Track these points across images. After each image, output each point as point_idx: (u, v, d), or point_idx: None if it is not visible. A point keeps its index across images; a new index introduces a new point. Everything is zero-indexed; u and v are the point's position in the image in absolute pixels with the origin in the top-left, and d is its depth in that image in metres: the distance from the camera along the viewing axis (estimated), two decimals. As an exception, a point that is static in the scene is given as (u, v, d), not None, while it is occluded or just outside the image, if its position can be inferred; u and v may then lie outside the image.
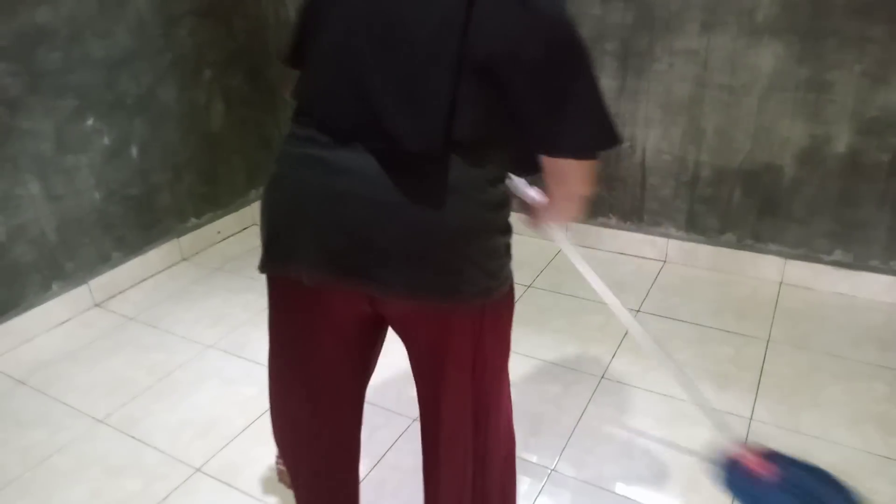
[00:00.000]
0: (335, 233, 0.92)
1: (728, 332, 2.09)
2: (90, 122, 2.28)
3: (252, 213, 3.00)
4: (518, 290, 2.35)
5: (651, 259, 2.53)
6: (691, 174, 2.35)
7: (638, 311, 2.22)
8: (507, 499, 1.23)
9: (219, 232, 2.85)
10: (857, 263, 2.21)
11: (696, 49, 2.17)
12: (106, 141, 2.34)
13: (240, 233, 2.93)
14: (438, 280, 0.93)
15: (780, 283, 2.33)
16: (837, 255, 2.23)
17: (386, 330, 1.13)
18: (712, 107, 2.22)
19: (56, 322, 2.27)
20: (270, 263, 1.01)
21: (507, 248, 1.00)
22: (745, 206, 2.31)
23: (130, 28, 2.35)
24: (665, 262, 2.51)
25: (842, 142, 2.08)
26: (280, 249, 0.98)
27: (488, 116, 0.89)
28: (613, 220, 2.57)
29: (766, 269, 2.34)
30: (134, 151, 2.45)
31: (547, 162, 0.94)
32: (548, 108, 0.87)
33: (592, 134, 0.91)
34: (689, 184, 2.37)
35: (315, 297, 1.00)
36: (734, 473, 1.38)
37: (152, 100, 2.48)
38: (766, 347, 2.01)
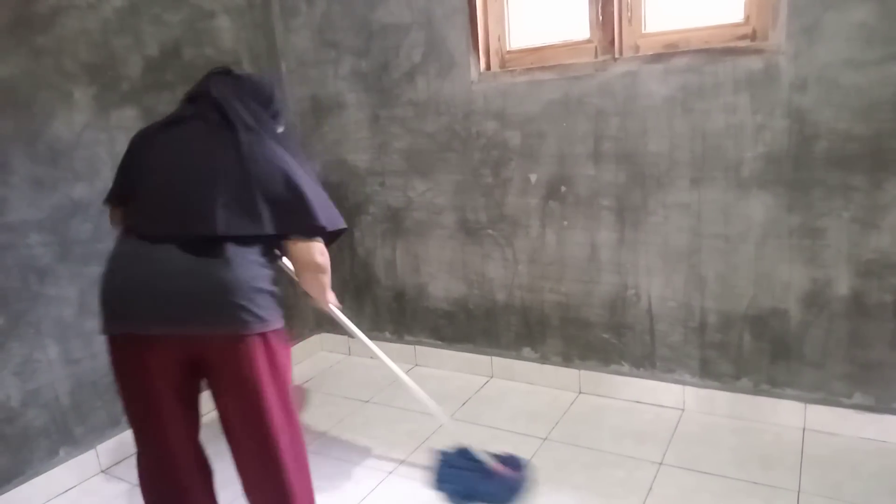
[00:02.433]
0: (163, 296, 1.42)
1: (755, 483, 2.00)
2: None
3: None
4: (533, 444, 2.31)
5: (669, 407, 2.48)
6: (698, 320, 2.37)
7: (661, 463, 2.14)
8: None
9: (230, 391, 2.84)
10: (880, 406, 2.15)
11: (688, 202, 2.29)
12: (127, 304, 2.42)
13: (251, 391, 2.92)
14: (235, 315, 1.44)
15: (803, 428, 2.25)
16: (857, 397, 2.18)
17: (199, 382, 1.56)
18: (710, 255, 2.30)
19: (60, 490, 2.21)
20: (115, 324, 1.46)
21: (272, 296, 1.52)
22: (756, 350, 2.30)
23: (159, 199, 2.52)
24: (683, 409, 2.45)
25: (843, 284, 2.12)
26: (122, 313, 1.45)
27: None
28: (626, 367, 2.56)
29: (787, 415, 2.28)
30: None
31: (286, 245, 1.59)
32: None
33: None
34: (698, 330, 2.38)
35: (146, 346, 1.45)
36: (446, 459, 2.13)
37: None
38: (798, 500, 1.91)
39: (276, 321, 1.52)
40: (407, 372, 3.01)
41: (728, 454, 2.16)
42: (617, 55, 2.36)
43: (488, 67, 2.62)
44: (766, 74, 2.10)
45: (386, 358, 2.17)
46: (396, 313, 3.09)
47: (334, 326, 3.29)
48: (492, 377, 2.87)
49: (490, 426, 2.46)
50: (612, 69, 2.33)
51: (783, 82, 2.08)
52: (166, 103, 2.54)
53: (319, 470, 2.25)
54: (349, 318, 3.23)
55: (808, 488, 1.95)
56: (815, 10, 1.99)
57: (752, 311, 2.28)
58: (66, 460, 2.24)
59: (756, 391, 2.33)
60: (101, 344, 2.33)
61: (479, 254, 2.78)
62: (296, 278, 1.71)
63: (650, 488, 2.02)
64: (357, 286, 3.16)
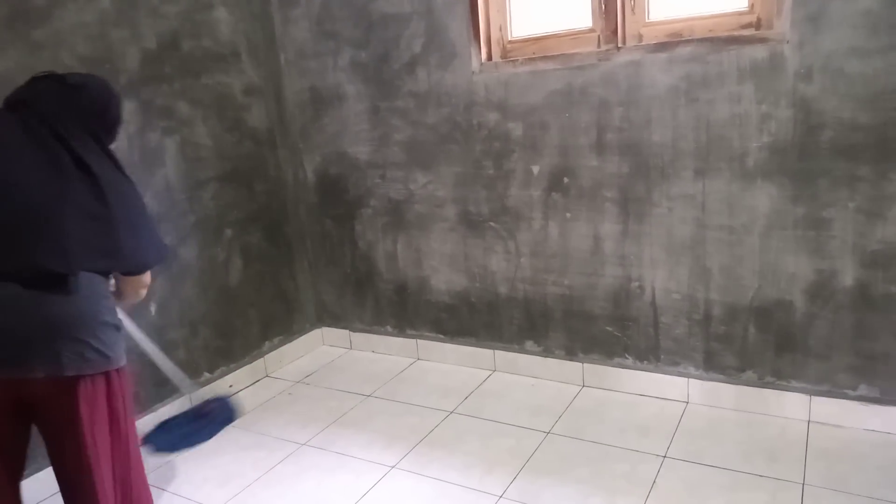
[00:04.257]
0: None
1: (760, 476, 1.99)
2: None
3: (265, 365, 3.00)
4: (536, 437, 2.29)
5: (673, 400, 2.46)
6: (703, 312, 2.36)
7: (665, 456, 2.13)
8: None
9: (231, 385, 2.83)
10: (885, 398, 2.13)
11: (692, 194, 2.27)
12: (127, 299, 2.41)
13: (251, 386, 2.91)
14: (68, 355, 1.31)
15: (808, 421, 2.24)
16: (863, 389, 2.16)
17: (28, 428, 1.44)
18: (715, 246, 2.28)
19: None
20: None
21: (116, 329, 1.41)
22: (761, 342, 2.29)
23: (158, 193, 2.51)
24: (687, 402, 2.44)
25: (848, 275, 2.10)
26: None
27: None
28: (630, 361, 2.54)
29: (792, 407, 2.27)
30: (152, 309, 2.51)
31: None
32: None
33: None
34: (702, 322, 2.37)
35: None
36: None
37: (174, 258, 2.58)
38: (803, 492, 1.89)
39: (120, 358, 1.41)
40: (409, 366, 3.00)
41: (733, 447, 2.15)
42: (620, 44, 2.33)
43: (490, 58, 2.59)
44: (771, 63, 2.07)
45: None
46: (398, 307, 3.07)
47: (336, 321, 3.28)
48: (494, 371, 2.85)
49: (493, 420, 2.45)
50: (615, 59, 2.31)
51: (788, 71, 2.05)
52: (164, 96, 2.52)
53: (321, 464, 2.25)
54: (351, 311, 3.23)
55: (813, 481, 1.94)
56: (821, -2, 1.97)
57: (757, 302, 2.26)
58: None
59: (761, 383, 2.32)
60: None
61: (482, 247, 2.76)
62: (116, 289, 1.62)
63: (654, 481, 2.01)
64: (358, 280, 3.14)
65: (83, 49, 2.24)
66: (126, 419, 1.43)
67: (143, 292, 1.66)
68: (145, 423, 2.31)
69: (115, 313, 1.44)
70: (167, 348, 2.56)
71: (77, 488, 1.40)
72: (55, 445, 1.40)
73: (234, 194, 2.84)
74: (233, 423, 2.35)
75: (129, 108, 2.39)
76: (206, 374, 2.74)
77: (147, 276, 1.61)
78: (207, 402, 2.32)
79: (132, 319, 1.95)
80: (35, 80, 1.46)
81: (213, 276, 2.76)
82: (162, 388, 2.54)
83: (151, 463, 2.31)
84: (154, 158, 2.50)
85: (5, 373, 1.32)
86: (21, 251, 1.31)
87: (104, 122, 1.51)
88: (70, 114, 1.43)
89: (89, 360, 1.33)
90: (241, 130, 2.87)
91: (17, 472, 1.49)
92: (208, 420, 2.28)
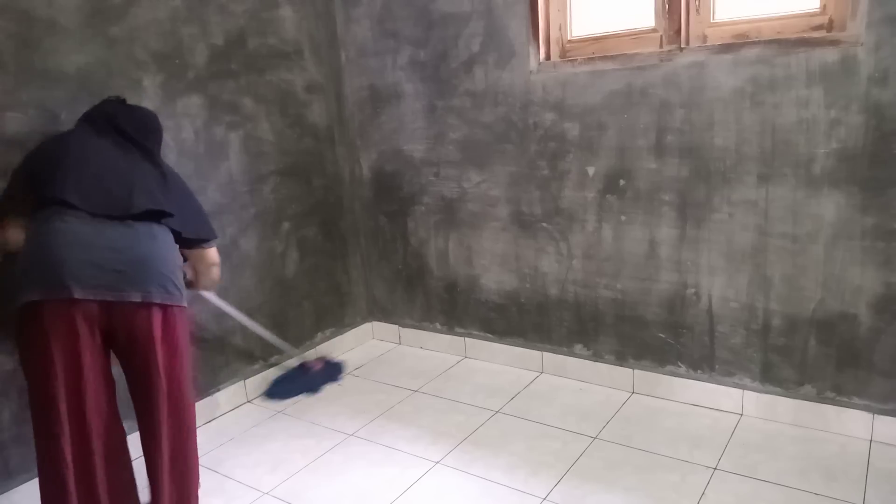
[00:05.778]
0: (91, 265, 1.62)
1: (817, 494, 1.91)
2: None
3: (316, 355, 3.06)
4: (583, 442, 2.27)
5: (727, 412, 2.40)
6: (761, 323, 2.29)
7: (716, 468, 2.08)
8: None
9: (284, 375, 2.90)
10: (958, 421, 2.03)
11: (754, 200, 2.21)
12: (188, 286, 2.50)
13: (304, 376, 2.98)
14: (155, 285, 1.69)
15: (870, 440, 2.14)
16: (933, 411, 2.06)
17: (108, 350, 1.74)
18: (777, 255, 2.21)
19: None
20: (47, 288, 1.60)
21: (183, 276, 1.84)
22: (822, 356, 2.20)
23: (221, 185, 2.60)
24: (742, 414, 2.37)
25: (920, 290, 2.00)
26: (53, 279, 1.60)
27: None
28: (683, 369, 2.49)
29: (853, 425, 2.17)
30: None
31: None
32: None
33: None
34: (761, 332, 2.30)
35: (67, 312, 1.61)
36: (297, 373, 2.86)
37: (234, 249, 2.67)
38: (863, 515, 1.82)
39: (186, 298, 1.78)
40: (456, 364, 3.01)
41: (788, 463, 2.08)
42: (683, 45, 2.28)
43: (548, 57, 2.58)
44: (843, 67, 1.99)
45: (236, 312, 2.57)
46: (448, 304, 3.09)
47: (386, 316, 3.33)
48: (542, 373, 2.84)
49: (539, 422, 2.44)
50: (678, 59, 2.26)
51: (861, 75, 1.97)
52: (230, 92, 2.61)
53: (368, 456, 2.28)
54: (401, 307, 3.27)
55: (873, 503, 1.86)
56: (901, -2, 1.88)
57: (820, 314, 2.18)
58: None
59: (820, 399, 2.23)
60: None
61: (533, 247, 2.75)
62: (192, 276, 2.06)
63: (703, 493, 1.96)
64: (409, 276, 3.18)
65: (155, 45, 2.34)
66: (185, 344, 1.80)
67: (216, 271, 2.05)
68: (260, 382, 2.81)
69: (181, 264, 1.84)
70: (227, 334, 2.66)
71: (145, 394, 1.74)
72: (131, 360, 1.73)
73: (293, 189, 2.91)
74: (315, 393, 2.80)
75: (196, 103, 2.48)
76: (261, 362, 2.82)
77: (214, 254, 2.00)
78: (317, 361, 2.93)
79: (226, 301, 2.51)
80: (105, 101, 1.94)
81: (271, 267, 2.84)
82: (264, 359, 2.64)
83: (215, 441, 2.42)
84: (218, 152, 2.59)
85: (108, 295, 1.63)
86: (122, 198, 1.72)
87: (151, 135, 1.93)
88: (135, 127, 1.88)
89: (171, 293, 1.71)
90: (301, 126, 2.94)
91: (113, 393, 1.79)
92: (317, 375, 2.86)
